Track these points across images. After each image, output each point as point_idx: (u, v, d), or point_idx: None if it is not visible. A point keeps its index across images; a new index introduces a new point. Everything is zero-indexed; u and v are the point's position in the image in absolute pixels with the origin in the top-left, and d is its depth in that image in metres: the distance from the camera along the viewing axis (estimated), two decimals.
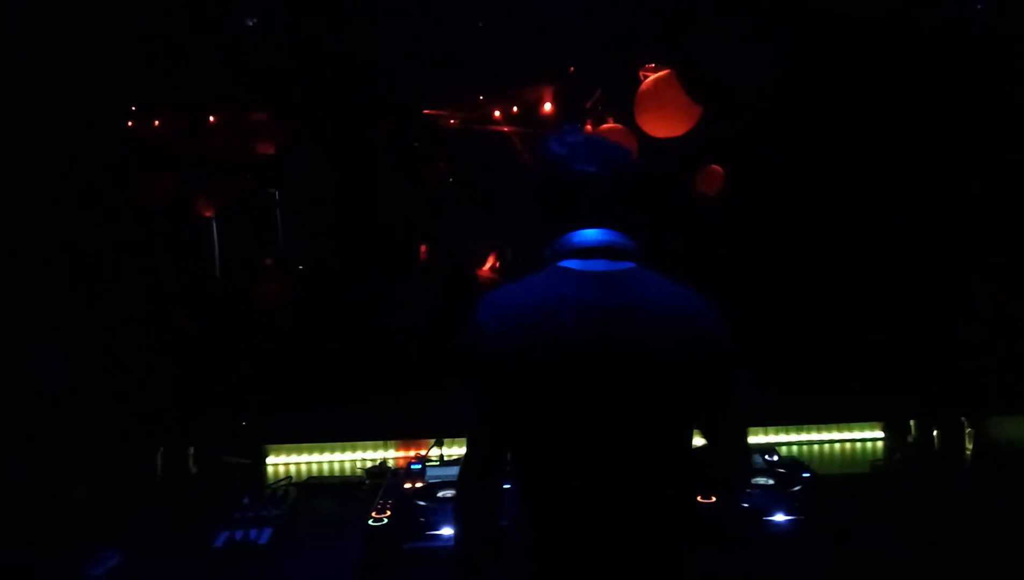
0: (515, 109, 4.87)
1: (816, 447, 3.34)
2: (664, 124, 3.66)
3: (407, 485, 2.76)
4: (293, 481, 3.06)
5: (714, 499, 2.44)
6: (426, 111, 4.18)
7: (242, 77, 3.80)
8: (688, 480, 1.68)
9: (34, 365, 2.98)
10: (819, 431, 3.38)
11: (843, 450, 3.32)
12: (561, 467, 1.59)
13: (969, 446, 3.02)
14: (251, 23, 3.31)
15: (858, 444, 3.36)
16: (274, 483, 3.02)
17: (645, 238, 1.68)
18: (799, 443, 3.36)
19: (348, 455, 3.30)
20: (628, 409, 1.56)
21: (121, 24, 3.16)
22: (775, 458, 2.98)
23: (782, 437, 3.36)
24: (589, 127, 3.85)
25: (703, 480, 1.80)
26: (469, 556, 1.65)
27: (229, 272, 4.75)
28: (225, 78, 3.75)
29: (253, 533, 2.51)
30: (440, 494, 2.65)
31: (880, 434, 3.36)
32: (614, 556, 1.57)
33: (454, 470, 2.81)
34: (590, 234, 1.64)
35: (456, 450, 3.11)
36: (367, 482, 2.99)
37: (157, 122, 4.09)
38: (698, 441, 1.68)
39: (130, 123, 3.96)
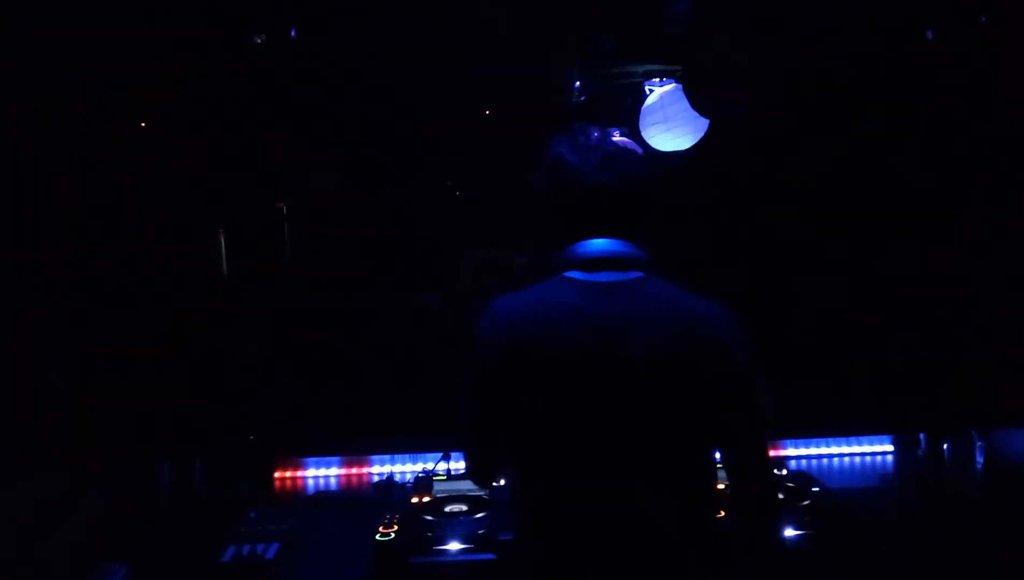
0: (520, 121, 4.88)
1: (825, 461, 3.32)
2: (670, 138, 3.67)
3: (414, 499, 2.75)
4: (300, 495, 3.06)
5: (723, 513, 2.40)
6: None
7: (250, 91, 3.83)
8: (704, 496, 1.61)
9: (45, 378, 2.99)
10: (828, 445, 3.36)
11: (852, 464, 3.30)
12: (561, 480, 1.55)
13: (980, 459, 3.00)
14: (259, 40, 3.33)
15: (867, 458, 3.34)
16: (281, 498, 3.02)
17: (654, 246, 1.65)
18: (808, 457, 3.34)
19: (355, 470, 3.30)
20: (632, 422, 1.52)
21: (132, 37, 3.19)
22: (784, 472, 2.97)
23: (791, 451, 3.35)
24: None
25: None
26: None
27: (237, 285, 4.77)
28: (233, 92, 3.77)
29: (260, 547, 2.51)
30: (447, 508, 2.64)
31: (890, 447, 3.34)
32: (618, 574, 1.54)
33: (461, 484, 2.82)
34: (597, 244, 1.62)
35: (464, 465, 3.11)
36: (374, 496, 2.99)
37: (165, 135, 4.12)
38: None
39: (140, 131, 3.99)
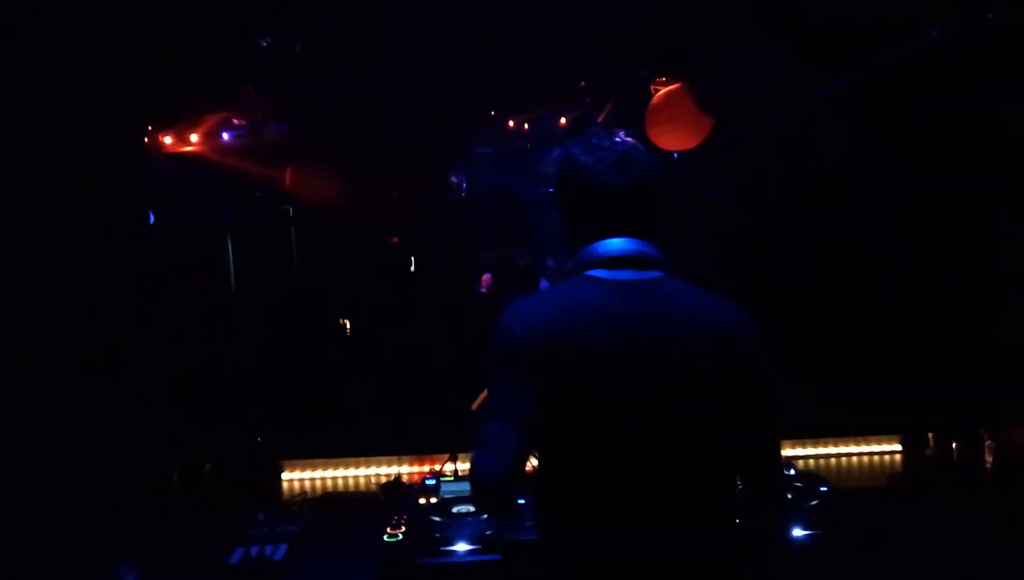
0: (527, 125, 4.89)
1: (833, 460, 3.31)
2: (675, 137, 3.67)
3: (421, 501, 2.75)
4: (308, 497, 3.07)
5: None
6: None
7: (256, 95, 3.85)
8: (728, 494, 1.61)
9: (55, 385, 3.01)
10: (836, 444, 3.35)
11: (861, 463, 3.29)
12: (589, 480, 1.56)
13: (988, 458, 2.99)
14: (265, 44, 3.35)
15: (876, 457, 3.32)
16: (289, 499, 3.03)
17: (670, 246, 1.66)
18: (816, 457, 3.33)
19: (363, 471, 3.31)
20: (657, 418, 1.52)
21: (138, 41, 3.21)
22: (792, 472, 2.96)
23: (799, 451, 3.34)
24: None
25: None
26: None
27: (244, 288, 4.79)
28: (240, 96, 3.80)
29: (269, 549, 2.51)
30: (455, 509, 2.64)
31: (898, 447, 3.33)
32: (645, 573, 1.54)
33: (468, 486, 2.81)
34: (616, 243, 1.62)
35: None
36: (382, 498, 2.99)
37: (173, 142, 4.14)
38: None
39: (147, 140, 4.01)
